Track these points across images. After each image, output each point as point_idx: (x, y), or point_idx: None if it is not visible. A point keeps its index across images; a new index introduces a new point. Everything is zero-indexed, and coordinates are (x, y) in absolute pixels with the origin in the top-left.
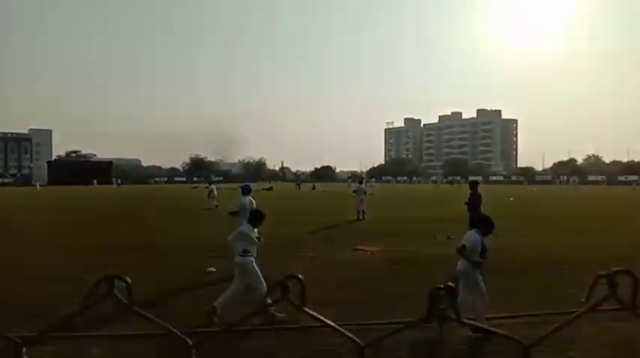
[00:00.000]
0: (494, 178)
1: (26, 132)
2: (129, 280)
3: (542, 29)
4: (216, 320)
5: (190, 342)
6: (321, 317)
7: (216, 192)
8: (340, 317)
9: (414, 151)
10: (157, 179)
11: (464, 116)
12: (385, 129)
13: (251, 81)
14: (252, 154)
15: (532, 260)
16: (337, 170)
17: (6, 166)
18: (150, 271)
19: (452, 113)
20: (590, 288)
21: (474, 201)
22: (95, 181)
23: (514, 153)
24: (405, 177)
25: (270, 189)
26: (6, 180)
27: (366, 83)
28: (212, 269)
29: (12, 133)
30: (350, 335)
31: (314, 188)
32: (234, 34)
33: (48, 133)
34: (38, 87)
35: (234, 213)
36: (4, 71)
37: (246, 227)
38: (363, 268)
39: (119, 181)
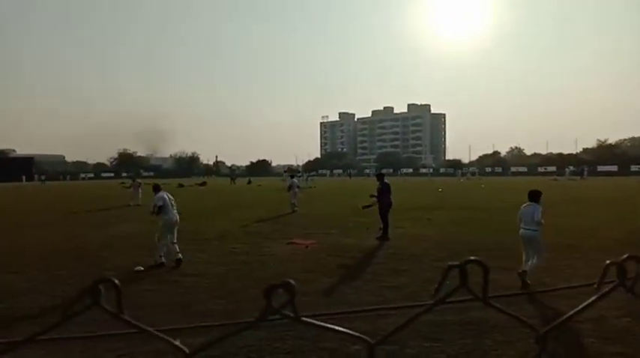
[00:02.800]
0: (424, 171)
1: None
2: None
3: (470, 26)
4: None
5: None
6: (140, 324)
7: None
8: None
9: (349, 145)
10: (82, 175)
11: (395, 111)
12: (320, 123)
13: (183, 75)
14: (184, 149)
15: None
16: (273, 164)
17: None
18: (75, 275)
19: (384, 108)
20: (441, 278)
21: (384, 191)
22: (24, 177)
23: (443, 146)
24: (340, 171)
25: (203, 184)
26: None
27: (302, 77)
28: (140, 268)
29: None
30: (172, 340)
31: (249, 182)
32: (162, 25)
33: None
34: None
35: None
36: None
37: None
38: (298, 261)
39: (43, 177)
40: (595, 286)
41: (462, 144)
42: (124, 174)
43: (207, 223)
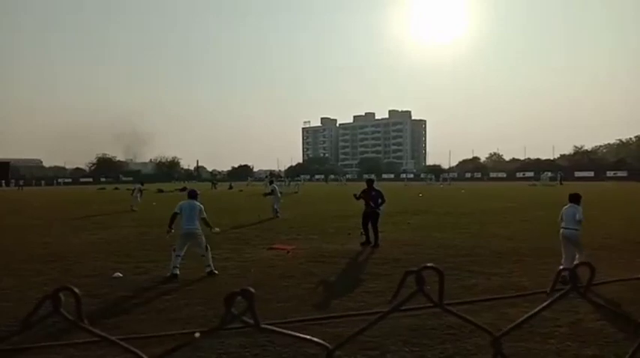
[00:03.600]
0: (404, 176)
1: None
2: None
3: (450, 31)
4: None
5: None
6: (100, 332)
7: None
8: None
9: (331, 150)
10: (59, 180)
11: (377, 116)
12: (302, 129)
13: (164, 77)
14: (164, 153)
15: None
16: (255, 169)
17: None
18: (53, 280)
19: (365, 113)
20: (398, 285)
21: (371, 195)
22: (13, 183)
23: (423, 151)
24: (322, 176)
25: (183, 189)
26: None
27: (283, 82)
28: (119, 274)
29: None
30: (134, 349)
31: (231, 187)
32: (143, 25)
33: None
34: None
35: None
36: None
37: None
38: (278, 267)
39: (21, 183)
40: (547, 292)
41: (443, 149)
42: (103, 179)
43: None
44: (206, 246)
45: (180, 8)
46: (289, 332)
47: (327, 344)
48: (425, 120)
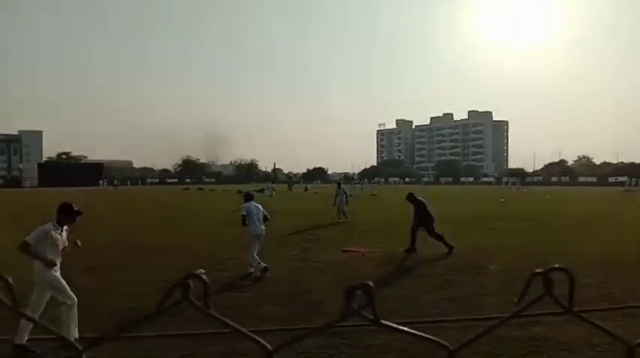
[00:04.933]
0: (485, 179)
1: (16, 133)
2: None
3: (533, 30)
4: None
5: None
6: (226, 319)
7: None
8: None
9: (406, 152)
10: (148, 180)
11: (455, 117)
12: (377, 131)
13: (245, 82)
14: (243, 156)
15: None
16: (329, 171)
17: None
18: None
19: (443, 114)
20: (524, 288)
21: (418, 211)
22: (103, 182)
23: (505, 154)
24: (397, 179)
25: (261, 190)
26: None
27: (359, 84)
28: (202, 271)
29: (1, 134)
30: (259, 339)
31: (306, 189)
32: (223, 35)
33: (38, 134)
34: (28, 87)
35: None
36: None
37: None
38: (353, 269)
39: (116, 183)
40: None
41: (526, 152)
42: (187, 180)
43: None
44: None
45: (261, 19)
46: (410, 330)
47: (449, 345)
48: (507, 121)
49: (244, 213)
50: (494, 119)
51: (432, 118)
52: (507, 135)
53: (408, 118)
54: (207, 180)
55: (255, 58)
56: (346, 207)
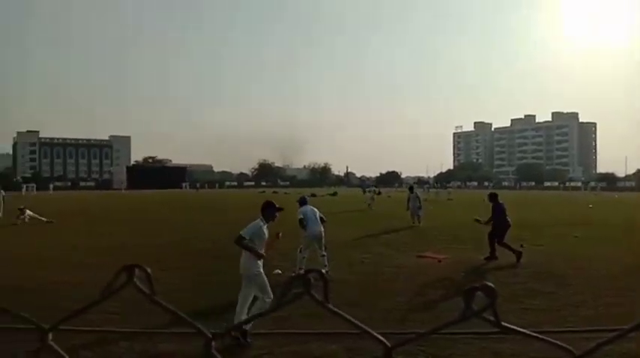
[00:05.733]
0: (572, 184)
1: (107, 138)
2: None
3: (617, 27)
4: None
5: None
6: (346, 315)
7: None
8: (400, 324)
9: (485, 156)
10: (226, 183)
11: (538, 119)
12: (454, 134)
13: (317, 87)
14: (317, 160)
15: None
16: (403, 175)
17: (89, 171)
18: (220, 272)
19: (525, 116)
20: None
21: (497, 213)
22: (185, 185)
23: (593, 158)
24: (474, 183)
25: (334, 194)
26: (88, 184)
27: (432, 86)
28: (278, 271)
29: (94, 140)
30: (377, 335)
31: (379, 193)
32: (299, 41)
33: (127, 140)
34: (118, 97)
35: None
36: (91, 83)
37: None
38: (429, 275)
39: (198, 185)
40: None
41: (617, 155)
42: (263, 184)
43: (337, 231)
44: (325, 247)
45: (341, 19)
46: (533, 333)
47: (573, 349)
48: (595, 123)
49: (301, 216)
50: (580, 121)
51: (512, 120)
52: (595, 138)
53: (486, 120)
54: (282, 183)
55: (330, 62)
56: (420, 211)
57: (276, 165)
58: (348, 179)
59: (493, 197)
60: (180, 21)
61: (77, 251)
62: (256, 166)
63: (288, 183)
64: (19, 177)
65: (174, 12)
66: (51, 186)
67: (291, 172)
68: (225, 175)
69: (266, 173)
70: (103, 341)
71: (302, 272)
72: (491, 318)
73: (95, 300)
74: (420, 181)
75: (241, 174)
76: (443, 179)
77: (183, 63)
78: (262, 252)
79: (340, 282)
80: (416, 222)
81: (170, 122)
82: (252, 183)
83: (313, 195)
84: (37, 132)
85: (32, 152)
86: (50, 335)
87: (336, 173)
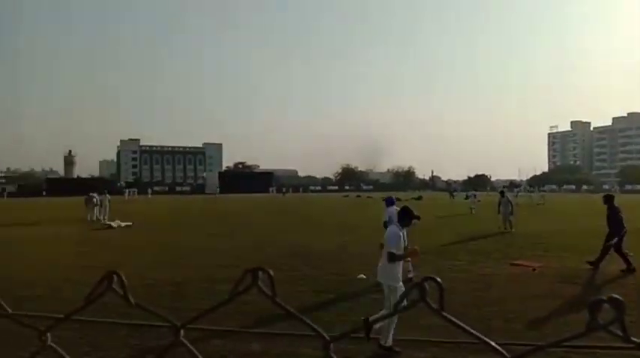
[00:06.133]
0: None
1: (201, 146)
2: (271, 272)
3: None
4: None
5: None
6: (464, 325)
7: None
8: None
9: (583, 157)
10: (311, 188)
11: None
12: (549, 134)
13: (398, 89)
14: (400, 163)
15: None
16: (493, 178)
17: (184, 176)
18: (306, 276)
19: (628, 114)
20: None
21: (614, 217)
22: (272, 189)
23: None
24: (572, 186)
25: (419, 198)
26: (184, 188)
27: (530, 83)
28: (362, 276)
29: (189, 147)
30: (497, 347)
31: (467, 197)
32: (378, 40)
33: (219, 147)
34: (210, 108)
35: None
36: (187, 94)
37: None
38: (522, 284)
39: (284, 190)
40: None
41: None
42: (347, 188)
43: (424, 237)
44: None
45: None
46: None
47: None
48: None
49: (386, 218)
50: None
51: (614, 119)
52: None
53: (584, 119)
54: (365, 187)
55: (414, 63)
56: (512, 216)
57: (359, 169)
58: (433, 183)
59: (609, 199)
60: (270, 31)
61: (188, 251)
62: (340, 171)
63: (371, 186)
64: (122, 182)
65: (271, 25)
66: (149, 190)
67: (374, 176)
68: (310, 180)
69: (349, 177)
70: (196, 339)
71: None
72: (619, 332)
73: (222, 301)
74: (512, 185)
75: (325, 178)
76: (537, 182)
77: (268, 76)
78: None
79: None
80: (507, 227)
81: (258, 129)
82: (336, 187)
83: (397, 199)
84: (138, 140)
85: (134, 159)
86: (182, 332)
87: (421, 177)
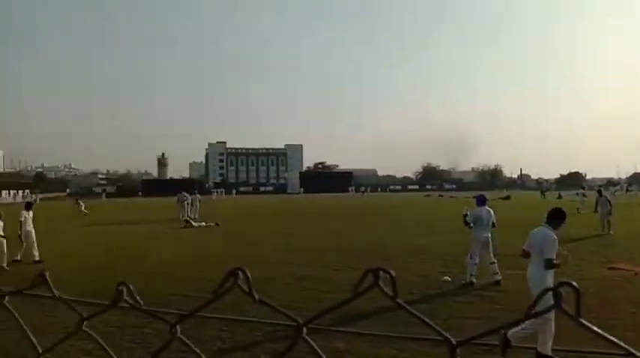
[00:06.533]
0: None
1: (282, 147)
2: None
3: None
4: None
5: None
6: (608, 335)
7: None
8: None
9: None
10: (390, 187)
11: None
12: None
13: (483, 83)
14: (486, 161)
15: None
16: (588, 177)
17: (267, 176)
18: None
19: None
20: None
21: None
22: (351, 189)
23: None
24: None
25: (507, 197)
26: (267, 188)
27: (629, 74)
28: (447, 278)
29: (272, 149)
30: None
31: (560, 197)
32: (471, 40)
33: (299, 148)
34: (290, 109)
35: (467, 224)
36: (267, 98)
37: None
38: (623, 289)
39: (362, 189)
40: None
41: None
42: (428, 187)
43: (510, 238)
44: (494, 254)
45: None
46: None
47: None
48: None
49: (473, 219)
50: None
51: None
52: None
53: None
54: (447, 186)
55: (500, 57)
56: (610, 217)
57: (442, 168)
58: (522, 181)
59: None
60: (337, 32)
61: (275, 250)
62: (420, 169)
63: (454, 186)
64: (210, 183)
65: (332, 26)
66: (234, 191)
67: (457, 175)
68: (389, 179)
69: (431, 176)
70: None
71: (474, 280)
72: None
73: (345, 300)
74: (610, 183)
75: (405, 177)
76: (638, 181)
77: (348, 76)
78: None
79: (517, 293)
80: (605, 228)
81: (336, 129)
82: (417, 186)
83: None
84: (225, 142)
85: (221, 161)
86: (305, 330)
87: (508, 175)
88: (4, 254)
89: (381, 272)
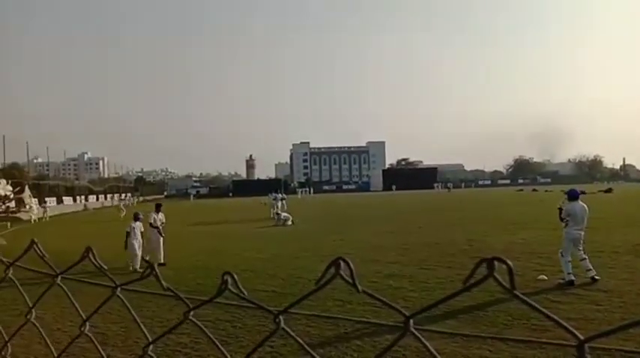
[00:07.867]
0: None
1: (364, 145)
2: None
3: None
4: None
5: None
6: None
7: None
8: None
9: None
10: (480, 182)
11: None
12: None
13: (577, 70)
14: (585, 152)
15: None
16: None
17: (350, 174)
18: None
19: None
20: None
21: None
22: (437, 185)
23: None
24: None
25: (608, 190)
26: (350, 187)
27: None
28: (543, 277)
29: (354, 147)
30: None
31: None
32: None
33: (382, 145)
34: (375, 109)
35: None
36: (348, 99)
37: None
38: None
39: (448, 185)
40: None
41: None
42: (520, 181)
43: (617, 233)
44: (584, 250)
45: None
46: None
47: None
48: None
49: (565, 213)
50: None
51: None
52: None
53: None
54: (541, 180)
55: (598, 39)
56: None
57: (535, 160)
58: (625, 172)
59: None
60: (432, 15)
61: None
62: (511, 163)
63: (549, 179)
64: (295, 182)
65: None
66: (311, 189)
67: (552, 168)
68: (478, 174)
69: (523, 169)
70: (364, 335)
71: (572, 277)
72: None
73: (456, 291)
74: None
75: (495, 171)
76: None
77: (428, 68)
78: None
79: (620, 293)
80: None
81: (419, 125)
82: (507, 181)
83: (582, 193)
84: (308, 143)
85: (304, 161)
86: (411, 322)
87: (610, 166)
88: (136, 256)
89: (496, 262)
